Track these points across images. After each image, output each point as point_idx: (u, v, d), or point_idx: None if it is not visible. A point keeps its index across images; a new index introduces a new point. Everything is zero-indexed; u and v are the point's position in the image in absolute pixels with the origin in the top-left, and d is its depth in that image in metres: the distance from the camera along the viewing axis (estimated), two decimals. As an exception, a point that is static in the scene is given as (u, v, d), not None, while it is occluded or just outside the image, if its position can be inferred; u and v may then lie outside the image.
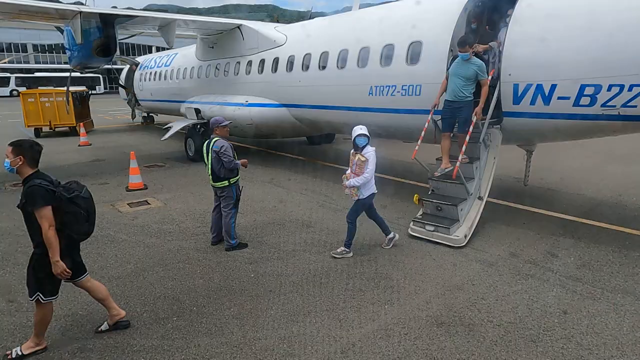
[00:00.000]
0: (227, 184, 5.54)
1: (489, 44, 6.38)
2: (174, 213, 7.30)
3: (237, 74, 11.42)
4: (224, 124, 5.60)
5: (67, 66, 12.90)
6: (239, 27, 11.16)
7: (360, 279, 4.79)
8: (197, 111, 12.30)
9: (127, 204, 7.82)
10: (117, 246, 5.86)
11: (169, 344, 3.63)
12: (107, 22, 9.55)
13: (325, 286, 4.64)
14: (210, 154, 5.49)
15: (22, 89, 48.07)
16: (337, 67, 8.52)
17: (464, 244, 5.60)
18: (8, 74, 52.56)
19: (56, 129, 17.85)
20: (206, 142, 5.60)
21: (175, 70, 15.02)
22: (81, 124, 16.77)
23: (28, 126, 17.39)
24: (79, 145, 15.06)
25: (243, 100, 11.08)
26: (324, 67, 8.88)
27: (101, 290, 3.84)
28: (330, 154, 12.70)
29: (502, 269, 4.99)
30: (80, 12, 8.78)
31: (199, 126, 12.10)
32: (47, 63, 58.22)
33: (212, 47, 12.43)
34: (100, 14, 9.17)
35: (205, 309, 4.21)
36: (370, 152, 5.20)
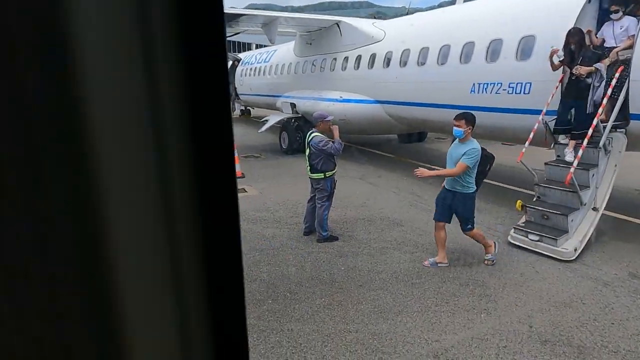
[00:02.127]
0: (323, 176, 5.66)
1: (595, 65, 5.62)
2: (269, 202, 7.66)
3: (333, 69, 11.60)
4: (328, 118, 5.71)
5: None
6: (337, 23, 11.32)
7: (454, 284, 4.60)
8: (293, 106, 12.75)
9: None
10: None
11: (264, 325, 3.83)
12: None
13: (417, 287, 4.53)
14: (309, 148, 5.65)
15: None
16: (437, 63, 8.24)
17: (573, 258, 5.09)
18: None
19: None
20: (307, 134, 5.79)
21: (273, 66, 15.71)
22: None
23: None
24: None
25: (337, 96, 11.23)
26: (422, 64, 8.65)
27: None
28: (422, 153, 12.35)
29: (619, 290, 4.45)
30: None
31: (293, 120, 12.53)
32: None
33: (310, 44, 12.76)
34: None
35: (297, 295, 4.36)
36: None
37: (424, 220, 6.65)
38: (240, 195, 8.11)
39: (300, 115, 12.61)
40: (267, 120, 12.86)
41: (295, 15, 11.38)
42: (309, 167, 5.77)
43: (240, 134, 16.68)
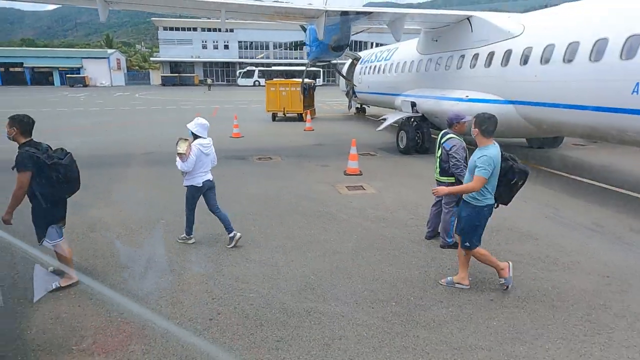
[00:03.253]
0: (454, 180, 5.35)
1: None
2: (387, 201, 7.55)
3: (460, 67, 10.99)
4: (464, 119, 5.35)
5: (295, 61, 14.77)
6: (468, 18, 10.68)
7: (606, 314, 3.99)
8: (413, 104, 12.41)
9: (346, 187, 8.47)
10: (339, 224, 6.39)
11: (389, 328, 3.75)
12: (346, 19, 10.43)
13: (559, 310, 4.03)
14: (440, 149, 5.39)
15: (262, 80, 58.27)
16: (590, 59, 7.25)
17: None
18: (253, 68, 63.82)
19: (287, 115, 20.77)
20: (440, 134, 5.51)
21: (394, 64, 15.48)
22: (307, 111, 19.08)
23: (267, 111, 20.75)
24: (304, 130, 17.13)
25: (462, 95, 10.61)
26: (570, 61, 7.69)
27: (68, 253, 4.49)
28: (556, 160, 11.09)
29: None
30: (326, 11, 9.82)
31: (412, 119, 12.21)
32: (281, 58, 68.16)
33: (436, 41, 12.27)
34: (342, 12, 10.09)
35: (422, 302, 4.19)
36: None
37: (562, 234, 5.94)
38: (358, 192, 8.17)
39: (420, 114, 12.23)
40: (385, 119, 12.72)
41: (424, 12, 11.02)
42: (438, 169, 5.51)
43: (356, 131, 16.81)
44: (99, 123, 19.95)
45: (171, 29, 68.63)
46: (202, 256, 5.27)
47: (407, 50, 14.73)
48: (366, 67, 18.61)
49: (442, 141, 5.35)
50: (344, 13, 10.16)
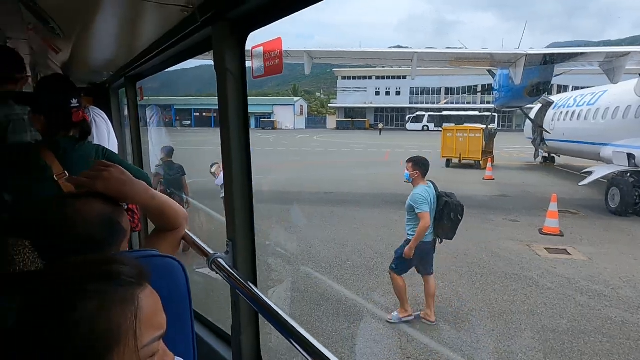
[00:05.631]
0: None
1: None
2: (605, 273, 6.25)
3: None
4: None
5: (466, 106, 14.03)
6: None
7: None
8: (630, 157, 10.37)
9: (545, 248, 7.38)
10: (543, 294, 5.51)
11: None
12: (548, 62, 9.50)
13: None
14: None
15: (431, 125, 57.80)
16: None
17: None
18: (423, 113, 63.94)
19: (462, 162, 19.82)
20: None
21: (601, 109, 13.37)
22: (488, 158, 17.88)
23: (442, 157, 20.18)
24: (484, 179, 16.00)
25: None
26: None
27: None
28: None
29: None
30: (526, 55, 9.12)
31: (629, 174, 10.17)
32: (452, 103, 66.74)
33: (666, 82, 10.16)
34: (546, 55, 9.24)
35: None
36: None
37: None
38: (561, 257, 7.01)
39: (639, 169, 10.13)
40: (590, 172, 10.92)
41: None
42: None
43: (546, 183, 14.91)
44: (286, 162, 22.42)
45: (349, 77, 74.57)
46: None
47: (621, 93, 12.57)
48: (561, 112, 16.57)
49: None
50: (549, 56, 9.27)
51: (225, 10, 1.16)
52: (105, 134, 3.24)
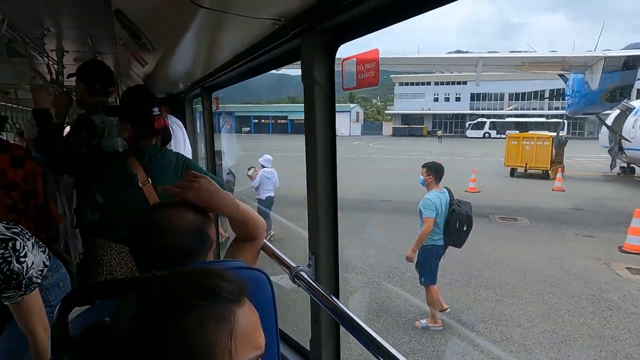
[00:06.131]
0: None
1: None
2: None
3: None
4: None
5: (531, 112, 13.21)
6: None
7: None
8: None
9: (626, 268, 6.75)
10: (626, 318, 5.04)
11: None
12: (631, 65, 8.75)
13: None
14: None
15: (493, 132, 55.29)
16: None
17: None
18: (485, 119, 61.37)
19: (528, 171, 18.74)
20: None
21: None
22: (558, 168, 16.78)
23: (506, 165, 19.20)
24: (553, 190, 15.00)
25: None
26: None
27: None
28: None
29: None
30: (605, 58, 8.47)
31: None
32: (517, 109, 63.54)
33: None
34: (629, 57, 8.51)
35: None
36: None
37: None
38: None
39: None
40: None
41: None
42: None
43: (626, 197, 13.70)
44: (342, 168, 22.38)
45: (406, 84, 73.41)
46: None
47: None
48: (644, 119, 15.17)
49: None
50: (632, 59, 8.53)
51: (317, 23, 1.16)
52: (181, 141, 3.41)
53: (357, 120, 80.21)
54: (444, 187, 4.83)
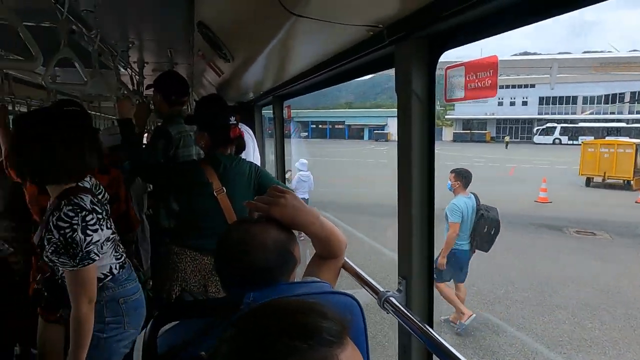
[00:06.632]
0: None
1: None
2: None
3: None
4: None
5: (607, 117, 12.00)
6: None
7: None
8: None
9: None
10: None
11: None
12: None
13: None
14: None
15: (564, 138, 51.64)
16: None
17: None
18: (555, 124, 57.52)
19: (607, 181, 17.26)
20: None
21: None
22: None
23: (581, 174, 17.81)
24: (636, 202, 13.66)
25: None
26: None
27: None
28: None
29: None
30: None
31: None
32: (592, 113, 59.06)
33: None
34: None
35: None
36: None
37: None
38: None
39: None
40: None
41: None
42: None
43: None
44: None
45: (468, 88, 70.81)
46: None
47: None
48: None
49: None
50: None
51: (416, 30, 1.07)
52: (251, 149, 3.44)
53: (416, 125, 78.51)
54: (471, 193, 5.00)
